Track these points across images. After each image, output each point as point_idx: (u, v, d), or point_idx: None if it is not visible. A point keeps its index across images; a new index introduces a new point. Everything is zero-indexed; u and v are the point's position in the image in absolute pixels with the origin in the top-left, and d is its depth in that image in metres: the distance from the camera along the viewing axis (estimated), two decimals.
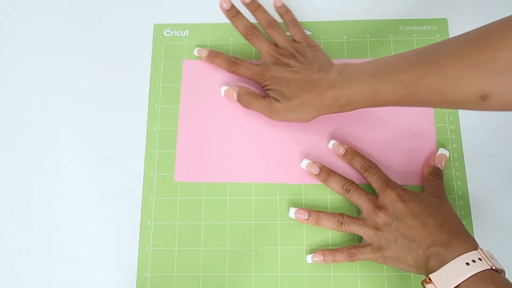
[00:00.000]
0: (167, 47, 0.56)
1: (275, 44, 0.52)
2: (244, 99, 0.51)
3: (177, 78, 0.54)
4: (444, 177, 0.49)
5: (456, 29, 0.55)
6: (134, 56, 0.56)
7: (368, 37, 0.55)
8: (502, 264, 0.47)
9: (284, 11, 0.53)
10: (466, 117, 0.52)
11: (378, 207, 0.46)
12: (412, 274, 0.47)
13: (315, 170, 0.49)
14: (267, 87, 0.50)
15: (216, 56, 0.53)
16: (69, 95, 0.55)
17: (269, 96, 0.50)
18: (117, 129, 0.53)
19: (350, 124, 0.52)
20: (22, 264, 0.50)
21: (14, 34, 0.58)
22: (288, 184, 0.50)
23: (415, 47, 0.54)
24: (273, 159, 0.51)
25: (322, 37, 0.55)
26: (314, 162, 0.50)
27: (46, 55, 0.57)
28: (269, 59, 0.51)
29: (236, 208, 0.50)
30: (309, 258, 0.48)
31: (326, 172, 0.49)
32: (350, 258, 0.46)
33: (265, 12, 0.53)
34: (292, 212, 0.49)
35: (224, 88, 0.53)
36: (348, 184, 0.48)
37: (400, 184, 0.48)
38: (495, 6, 0.56)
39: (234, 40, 0.56)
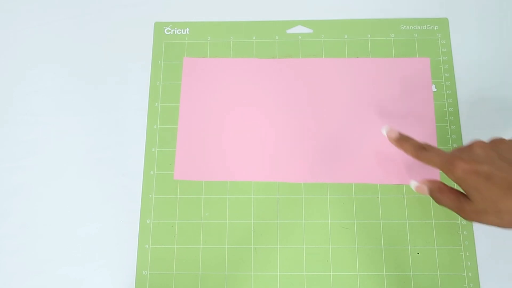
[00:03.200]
0: (167, 45, 0.56)
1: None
2: (435, 196, 0.44)
3: (177, 76, 0.54)
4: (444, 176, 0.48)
5: (457, 29, 0.55)
6: (134, 54, 0.56)
7: (369, 36, 0.55)
8: (503, 265, 0.47)
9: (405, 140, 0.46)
10: (467, 117, 0.52)
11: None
12: (411, 273, 0.47)
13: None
14: (459, 182, 0.41)
15: (406, 141, 0.46)
16: (69, 94, 0.55)
17: (462, 194, 0.42)
18: (117, 128, 0.53)
19: (349, 123, 0.52)
20: (21, 264, 0.49)
21: (14, 33, 0.58)
22: (287, 183, 0.50)
23: (416, 47, 0.54)
24: (272, 157, 0.51)
25: (323, 36, 0.55)
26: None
27: (45, 54, 0.57)
28: (462, 152, 0.42)
29: (235, 207, 0.50)
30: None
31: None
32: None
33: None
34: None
35: (413, 183, 0.46)
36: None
37: (400, 183, 0.48)
38: (497, 6, 0.56)
39: (234, 38, 0.55)
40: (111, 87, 0.55)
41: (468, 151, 0.41)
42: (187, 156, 0.52)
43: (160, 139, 0.52)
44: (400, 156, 0.50)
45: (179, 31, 0.56)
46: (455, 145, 0.51)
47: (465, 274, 0.47)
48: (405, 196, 0.50)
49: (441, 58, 0.54)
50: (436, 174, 0.50)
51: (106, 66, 0.56)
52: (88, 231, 0.50)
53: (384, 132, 0.48)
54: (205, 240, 0.49)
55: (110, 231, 0.50)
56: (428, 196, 0.46)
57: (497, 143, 0.41)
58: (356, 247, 0.48)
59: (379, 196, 0.50)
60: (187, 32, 0.56)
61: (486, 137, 0.44)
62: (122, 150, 0.53)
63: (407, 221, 0.49)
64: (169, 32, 0.56)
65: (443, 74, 0.53)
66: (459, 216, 0.48)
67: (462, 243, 0.48)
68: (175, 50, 0.56)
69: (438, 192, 0.44)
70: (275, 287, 0.47)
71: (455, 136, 0.51)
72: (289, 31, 0.56)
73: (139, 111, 0.54)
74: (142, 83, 0.55)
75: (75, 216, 0.51)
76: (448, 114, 0.52)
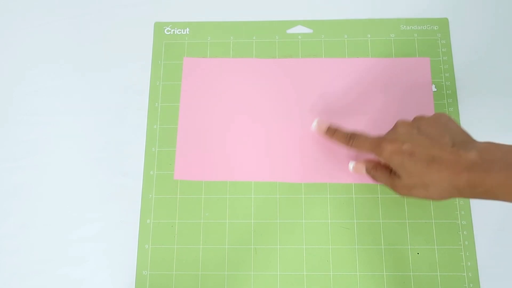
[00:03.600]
0: (167, 45, 0.56)
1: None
2: (371, 174, 0.47)
3: (177, 76, 0.54)
4: None
5: (457, 29, 0.55)
6: (134, 54, 0.56)
7: (369, 36, 0.55)
8: (503, 265, 0.47)
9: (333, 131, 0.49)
10: (467, 116, 0.52)
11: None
12: (411, 273, 0.47)
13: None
14: (388, 162, 0.43)
15: (335, 132, 0.48)
16: (69, 94, 0.55)
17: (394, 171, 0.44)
18: (117, 128, 0.53)
19: (350, 123, 0.52)
20: (21, 264, 0.50)
21: (12, 33, 0.58)
22: (287, 183, 0.50)
23: (416, 47, 0.54)
24: (272, 158, 0.51)
25: (323, 36, 0.55)
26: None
27: (45, 54, 0.57)
28: (389, 133, 0.45)
29: (235, 207, 0.50)
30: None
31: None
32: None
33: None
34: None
35: (352, 164, 0.49)
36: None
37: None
38: (496, 6, 0.56)
39: (234, 38, 0.55)
40: (111, 87, 0.55)
41: (393, 132, 0.44)
42: (187, 156, 0.52)
43: (160, 139, 0.52)
44: None
45: (179, 31, 0.56)
46: None
47: (465, 274, 0.47)
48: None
49: (441, 58, 0.54)
50: None
51: (106, 66, 0.56)
52: (88, 231, 0.50)
53: (314, 125, 0.50)
54: (205, 240, 0.49)
55: (110, 231, 0.50)
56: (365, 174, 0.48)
57: (417, 120, 0.44)
58: (356, 247, 0.48)
59: (379, 196, 0.50)
60: (187, 32, 0.56)
61: (486, 138, 0.44)
62: (122, 150, 0.53)
63: (407, 221, 0.49)
64: (169, 32, 0.56)
65: (443, 74, 0.53)
66: (459, 217, 0.49)
67: (462, 243, 0.48)
68: (175, 50, 0.55)
69: (373, 169, 0.47)
70: (275, 287, 0.47)
71: None
72: (289, 31, 0.56)
73: (139, 111, 0.54)
74: (142, 83, 0.55)
75: (75, 216, 0.51)
76: (447, 105, 0.52)
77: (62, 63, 0.56)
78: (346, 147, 0.47)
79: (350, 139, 0.47)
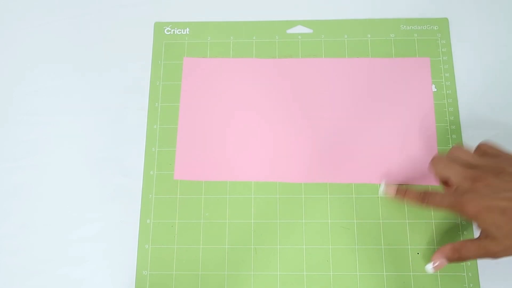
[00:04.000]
0: (167, 45, 0.56)
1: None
2: (402, 199, 0.47)
3: (177, 76, 0.54)
4: None
5: (457, 29, 0.55)
6: (134, 54, 0.56)
7: (369, 36, 0.55)
8: (503, 265, 0.47)
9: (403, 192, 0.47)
10: (467, 116, 0.51)
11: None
12: (411, 273, 0.47)
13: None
14: (475, 220, 0.40)
15: (406, 192, 0.47)
16: (69, 94, 0.55)
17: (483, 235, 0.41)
18: (117, 128, 0.53)
19: (349, 123, 0.52)
20: (21, 264, 0.49)
21: (12, 33, 0.58)
22: (287, 183, 0.50)
23: (416, 47, 0.54)
24: (273, 157, 0.51)
25: (322, 36, 0.55)
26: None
27: (45, 54, 0.57)
28: (464, 183, 0.41)
29: (235, 207, 0.50)
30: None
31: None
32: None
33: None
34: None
35: (382, 185, 0.49)
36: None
37: (399, 183, 0.49)
38: (496, 6, 0.56)
39: (234, 38, 0.55)
40: (111, 87, 0.55)
41: (471, 186, 0.40)
42: (187, 156, 0.52)
43: (160, 139, 0.52)
44: (400, 156, 0.50)
45: (179, 31, 0.56)
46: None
47: (465, 274, 0.47)
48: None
49: (441, 58, 0.54)
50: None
51: (106, 66, 0.56)
52: (88, 231, 0.50)
53: (381, 189, 0.49)
54: (205, 240, 0.49)
55: (110, 231, 0.50)
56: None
57: (494, 162, 0.41)
58: (356, 247, 0.48)
59: (379, 196, 0.50)
60: (187, 32, 0.56)
61: (486, 137, 0.45)
62: (122, 150, 0.53)
63: (407, 221, 0.49)
64: (169, 32, 0.56)
65: (443, 74, 0.53)
66: (459, 216, 0.48)
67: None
68: (175, 50, 0.55)
69: (404, 194, 0.47)
70: (275, 287, 0.47)
71: (455, 136, 0.51)
72: (289, 31, 0.56)
73: (139, 111, 0.54)
74: (142, 83, 0.54)
75: (74, 216, 0.51)
76: (448, 114, 0.52)
77: (62, 63, 0.56)
78: (420, 206, 0.46)
79: (424, 198, 0.44)
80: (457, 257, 0.42)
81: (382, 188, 0.49)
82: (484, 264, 0.47)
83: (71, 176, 0.52)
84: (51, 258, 0.50)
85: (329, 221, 0.49)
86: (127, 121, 0.53)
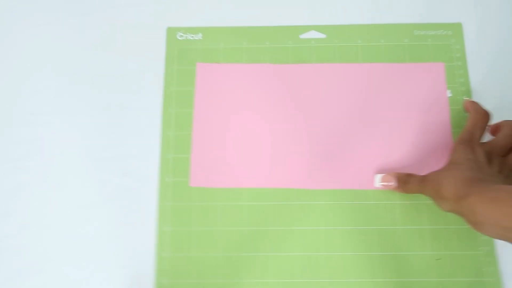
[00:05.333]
0: (180, 50, 0.55)
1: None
2: (403, 187, 0.48)
3: (190, 82, 0.54)
4: None
5: (470, 34, 0.55)
6: (147, 60, 0.55)
7: (382, 41, 0.55)
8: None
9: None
10: None
11: None
12: (414, 279, 0.47)
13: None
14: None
15: (406, 181, 0.48)
16: (81, 101, 0.54)
17: None
18: (130, 135, 0.53)
19: (362, 124, 0.52)
20: (21, 264, 0.49)
21: (15, 33, 0.57)
22: (305, 189, 0.50)
23: (430, 52, 0.54)
24: (290, 163, 0.51)
25: (336, 41, 0.55)
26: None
27: (53, 55, 0.56)
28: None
29: (251, 214, 0.49)
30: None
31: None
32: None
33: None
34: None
35: (378, 177, 0.50)
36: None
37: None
38: (510, 9, 0.56)
39: (247, 44, 0.55)
40: (123, 95, 0.54)
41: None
42: (202, 163, 0.51)
43: (174, 145, 0.52)
44: (414, 161, 0.50)
45: (191, 37, 0.56)
46: None
47: (486, 279, 0.47)
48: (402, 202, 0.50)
49: (455, 63, 0.54)
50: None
51: (118, 71, 0.55)
52: (90, 232, 0.50)
53: (377, 183, 0.49)
54: (221, 247, 0.48)
55: (111, 232, 0.50)
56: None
57: None
58: (372, 253, 0.48)
59: (396, 202, 0.49)
60: (200, 38, 0.56)
61: None
62: (134, 154, 0.52)
63: (423, 227, 0.48)
64: (182, 38, 0.56)
65: (458, 79, 0.53)
66: None
67: (482, 248, 0.48)
68: (188, 55, 0.55)
69: (405, 182, 0.48)
70: None
71: None
72: (302, 36, 0.55)
73: (152, 117, 0.53)
74: (155, 89, 0.54)
75: (77, 219, 0.50)
76: (464, 119, 0.52)
77: (71, 66, 0.55)
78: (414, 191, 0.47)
79: (422, 181, 0.46)
80: (402, 189, 0.48)
81: (379, 179, 0.49)
82: (506, 269, 0.47)
83: (71, 176, 0.52)
84: (51, 258, 0.49)
85: (347, 227, 0.49)
86: (141, 128, 0.53)
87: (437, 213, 0.48)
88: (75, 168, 0.52)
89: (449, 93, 0.52)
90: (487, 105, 0.51)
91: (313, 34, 0.55)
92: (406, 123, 0.52)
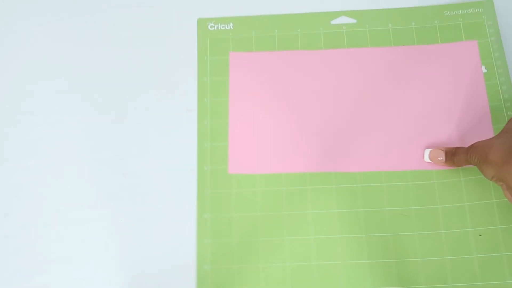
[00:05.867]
0: (212, 41, 0.56)
1: None
2: (451, 160, 0.48)
3: (224, 71, 0.54)
4: None
5: (502, 10, 0.55)
6: (179, 52, 0.55)
7: (413, 24, 0.55)
8: None
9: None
10: None
11: None
12: (474, 255, 0.46)
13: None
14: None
15: (454, 153, 0.48)
16: (115, 97, 0.55)
17: None
18: (168, 127, 0.53)
19: (397, 107, 0.52)
20: (22, 264, 0.49)
21: (15, 32, 0.58)
22: (342, 172, 0.50)
23: (462, 31, 0.54)
24: (325, 148, 0.51)
25: (367, 25, 0.55)
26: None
27: (56, 54, 0.57)
28: None
29: (290, 198, 0.49)
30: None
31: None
32: None
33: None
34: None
35: (427, 152, 0.50)
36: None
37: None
38: None
39: (279, 32, 0.55)
40: (158, 87, 0.55)
41: None
42: (239, 150, 0.51)
43: (211, 134, 0.52)
44: (453, 138, 0.50)
45: (223, 27, 0.56)
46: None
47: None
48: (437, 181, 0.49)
49: (489, 39, 0.53)
50: None
51: (153, 66, 0.55)
52: (92, 231, 0.50)
53: (427, 158, 0.49)
54: (263, 233, 0.48)
55: (110, 232, 0.50)
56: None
57: None
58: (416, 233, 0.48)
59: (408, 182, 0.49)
60: (231, 27, 0.56)
61: None
62: (174, 147, 0.52)
63: (466, 204, 0.48)
64: (213, 28, 0.56)
65: (493, 54, 0.53)
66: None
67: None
68: (220, 45, 0.55)
69: (453, 155, 0.48)
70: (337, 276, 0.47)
71: (510, 113, 0.50)
72: (333, 22, 0.56)
73: (188, 108, 0.53)
74: (189, 80, 0.54)
75: (77, 216, 0.50)
76: (501, 92, 0.51)
77: (96, 59, 0.56)
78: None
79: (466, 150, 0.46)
80: (450, 162, 0.48)
81: (427, 154, 0.49)
82: None
83: (71, 176, 0.52)
84: (50, 257, 0.49)
85: (387, 208, 0.48)
86: (177, 119, 0.53)
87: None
88: (76, 168, 0.52)
89: (484, 69, 0.52)
90: None
91: (343, 20, 0.56)
92: (443, 102, 0.51)
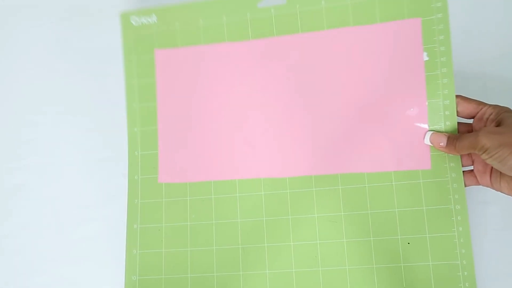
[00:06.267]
0: (137, 38, 0.52)
1: None
2: (453, 144, 0.44)
3: (151, 72, 0.52)
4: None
5: None
6: (107, 52, 0.54)
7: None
8: (497, 249, 0.44)
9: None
10: (462, 89, 0.45)
11: None
12: (430, 263, 0.45)
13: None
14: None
15: (457, 139, 0.44)
16: (57, 97, 0.55)
17: None
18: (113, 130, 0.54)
19: (330, 98, 0.48)
20: (22, 264, 0.53)
21: (12, 33, 0.58)
22: (275, 178, 0.49)
23: (405, 7, 0.47)
24: (258, 152, 0.49)
25: (297, 5, 0.49)
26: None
27: (32, 55, 0.57)
28: None
29: (221, 207, 0.49)
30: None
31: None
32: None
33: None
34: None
35: (428, 134, 0.46)
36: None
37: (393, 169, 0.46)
38: None
39: (203, 21, 0.51)
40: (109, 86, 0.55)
41: None
42: (170, 158, 0.51)
43: (141, 142, 0.52)
44: (385, 141, 0.46)
45: (146, 20, 0.52)
46: (448, 123, 0.45)
47: (459, 262, 0.45)
48: (393, 183, 0.46)
49: (434, 17, 0.46)
50: (426, 157, 0.46)
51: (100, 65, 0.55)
52: (87, 232, 0.53)
53: (427, 140, 0.45)
54: (192, 242, 0.49)
55: (107, 233, 0.52)
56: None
57: None
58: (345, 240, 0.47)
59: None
60: (155, 21, 0.52)
61: None
62: (121, 152, 0.52)
63: (397, 210, 0.46)
64: (137, 23, 0.52)
65: (437, 37, 0.46)
66: (452, 201, 0.45)
67: (455, 229, 0.45)
68: (144, 42, 0.52)
69: (455, 139, 0.44)
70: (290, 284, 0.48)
71: (448, 113, 0.45)
72: (260, 5, 0.50)
73: (119, 113, 0.53)
74: (119, 83, 0.53)
75: (74, 219, 0.53)
76: (441, 87, 0.46)
77: (49, 65, 0.56)
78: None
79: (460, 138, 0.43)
80: (451, 147, 0.44)
81: (428, 137, 0.45)
82: (479, 251, 0.44)
83: (71, 176, 0.54)
84: (50, 257, 0.53)
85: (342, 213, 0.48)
86: (120, 123, 0.53)
87: None
88: (76, 168, 0.54)
89: (425, 56, 0.46)
90: (468, 67, 0.45)
91: (271, 1, 0.50)
92: (376, 96, 0.47)
